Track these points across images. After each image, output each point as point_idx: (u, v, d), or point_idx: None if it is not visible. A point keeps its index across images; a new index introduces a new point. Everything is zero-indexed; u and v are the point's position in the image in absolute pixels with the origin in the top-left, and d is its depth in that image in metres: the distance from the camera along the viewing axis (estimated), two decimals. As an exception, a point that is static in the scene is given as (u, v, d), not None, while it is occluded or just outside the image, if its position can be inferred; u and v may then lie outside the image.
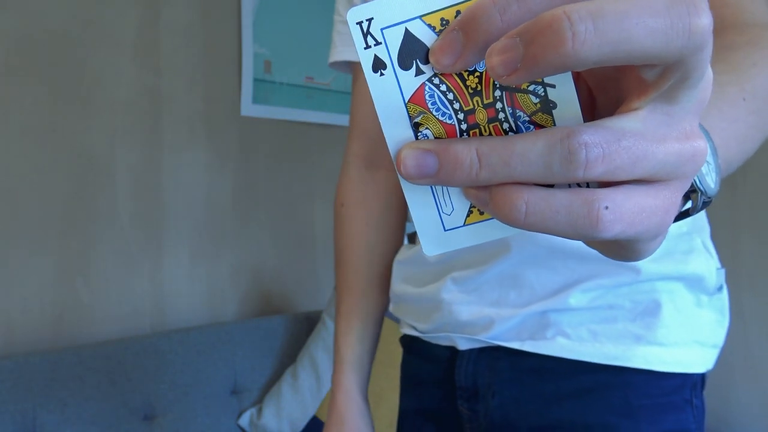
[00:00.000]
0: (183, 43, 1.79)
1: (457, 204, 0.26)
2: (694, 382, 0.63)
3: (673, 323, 0.61)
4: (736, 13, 0.53)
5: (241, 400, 1.67)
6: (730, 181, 1.68)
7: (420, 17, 0.23)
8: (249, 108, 1.92)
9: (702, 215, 0.66)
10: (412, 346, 0.79)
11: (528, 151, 0.22)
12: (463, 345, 0.68)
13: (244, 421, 1.65)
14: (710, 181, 0.33)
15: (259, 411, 1.66)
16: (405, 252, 0.76)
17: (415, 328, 0.75)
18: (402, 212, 0.82)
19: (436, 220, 0.26)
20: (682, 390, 0.62)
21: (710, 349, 0.64)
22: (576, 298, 0.61)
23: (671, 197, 0.24)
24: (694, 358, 0.62)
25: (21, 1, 1.52)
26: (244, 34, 1.91)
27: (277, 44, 1.98)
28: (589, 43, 0.20)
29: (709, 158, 0.34)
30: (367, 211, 0.81)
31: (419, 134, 0.25)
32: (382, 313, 0.82)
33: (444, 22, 0.23)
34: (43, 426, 1.36)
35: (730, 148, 0.39)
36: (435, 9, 0.23)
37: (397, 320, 0.82)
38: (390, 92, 0.24)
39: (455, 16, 0.23)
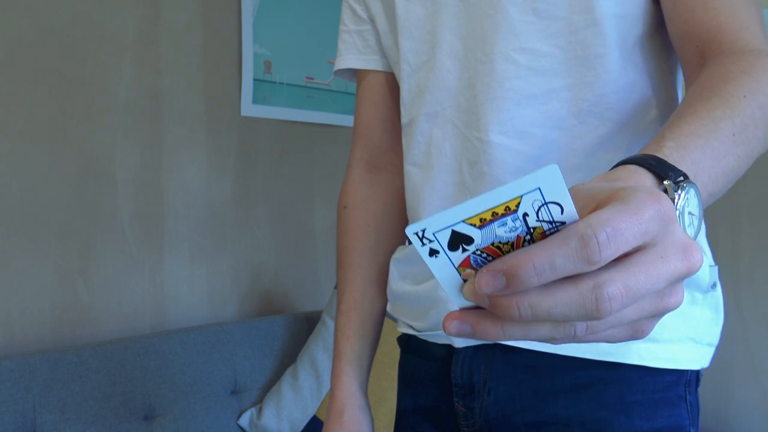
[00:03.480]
0: (183, 43, 1.79)
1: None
2: (689, 379, 0.64)
3: (668, 320, 0.61)
4: (733, 40, 0.54)
5: (241, 400, 1.68)
6: (730, 181, 1.68)
7: (463, 221, 0.30)
8: (249, 108, 1.92)
9: None
10: (408, 344, 0.79)
11: (561, 297, 0.30)
12: (459, 343, 0.68)
13: (244, 421, 1.65)
14: (690, 232, 0.37)
15: (259, 411, 1.66)
16: (401, 250, 0.77)
17: (411, 327, 0.76)
18: (402, 214, 0.83)
19: (457, 279, 0.33)
20: (676, 386, 0.63)
21: (705, 347, 0.64)
22: None
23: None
24: (688, 355, 0.63)
25: (21, 1, 1.52)
26: (244, 34, 1.91)
27: (277, 44, 1.98)
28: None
29: (694, 209, 0.37)
30: (369, 212, 0.83)
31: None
32: (382, 312, 0.83)
33: (482, 220, 0.30)
34: (43, 426, 1.36)
35: (717, 182, 0.43)
36: (474, 214, 0.30)
37: (396, 320, 0.83)
38: (445, 265, 0.32)
39: (491, 216, 0.30)
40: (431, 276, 0.70)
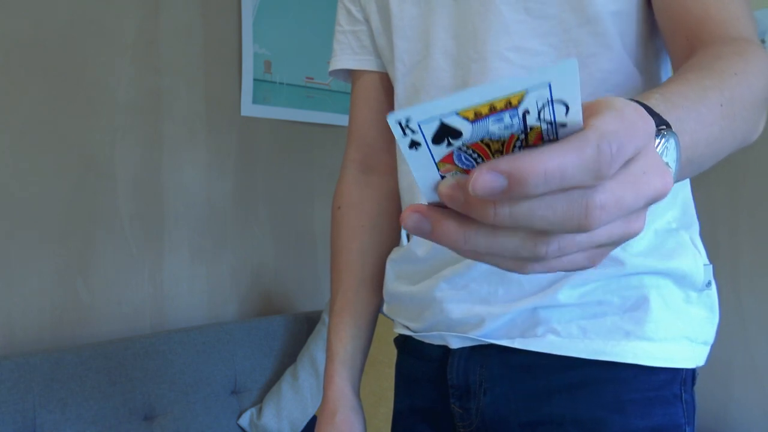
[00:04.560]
0: (183, 43, 1.79)
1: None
2: (684, 378, 0.64)
3: (662, 319, 0.61)
4: (723, 30, 0.54)
5: (241, 400, 1.68)
6: (730, 180, 1.68)
7: (456, 113, 0.26)
8: (249, 108, 1.92)
9: (691, 211, 0.67)
10: (405, 345, 0.79)
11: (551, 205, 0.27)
12: (455, 343, 0.69)
13: (244, 421, 1.65)
14: None
15: (259, 411, 1.66)
16: (397, 251, 0.77)
17: (408, 328, 0.76)
18: (396, 215, 0.84)
19: (435, 176, 0.30)
20: (671, 385, 0.63)
21: (700, 345, 0.64)
22: (565, 294, 0.61)
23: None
24: (683, 353, 0.63)
25: (21, 1, 1.52)
26: (244, 34, 1.91)
27: (277, 44, 1.98)
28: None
29: (672, 162, 0.36)
30: (362, 214, 0.83)
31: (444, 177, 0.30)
32: (375, 312, 0.83)
33: (477, 114, 0.26)
34: (43, 426, 1.36)
35: (697, 147, 0.41)
36: (470, 106, 0.26)
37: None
38: (424, 159, 0.29)
39: (489, 110, 0.26)
40: (425, 276, 0.70)
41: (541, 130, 0.27)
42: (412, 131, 0.27)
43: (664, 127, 0.36)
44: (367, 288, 0.81)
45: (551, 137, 0.28)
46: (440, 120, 0.27)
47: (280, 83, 1.99)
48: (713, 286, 0.67)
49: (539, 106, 0.26)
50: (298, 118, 2.03)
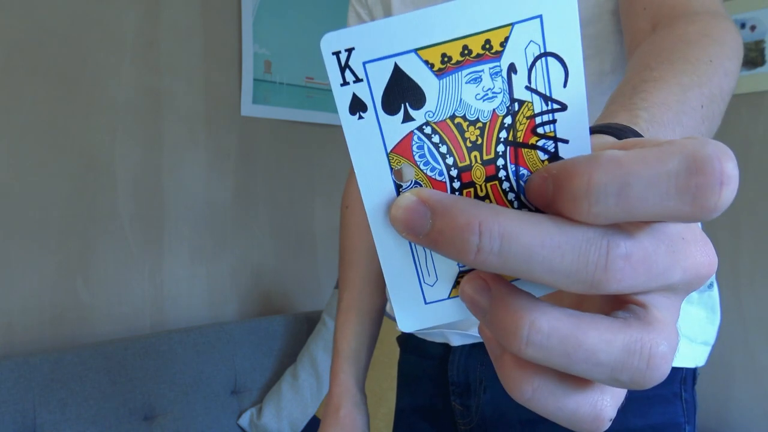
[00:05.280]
0: (183, 43, 1.79)
1: (441, 272, 0.22)
2: (684, 377, 0.64)
3: None
4: (685, 2, 0.51)
5: (241, 400, 1.68)
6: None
7: (415, 51, 0.19)
8: (249, 108, 1.92)
9: None
10: (407, 343, 0.80)
11: (557, 245, 0.19)
12: (455, 341, 0.69)
13: (244, 421, 1.65)
14: None
15: (259, 411, 1.66)
16: None
17: None
18: None
19: (416, 291, 0.22)
20: (671, 383, 0.63)
21: (700, 345, 0.64)
22: None
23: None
24: (682, 352, 0.63)
25: (21, 1, 1.52)
26: (244, 34, 1.91)
27: (277, 44, 1.98)
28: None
29: None
30: None
31: (401, 191, 0.21)
32: (380, 310, 0.84)
33: (446, 59, 0.19)
34: (43, 426, 1.36)
35: None
36: (436, 42, 0.19)
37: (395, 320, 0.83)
38: (369, 138, 0.20)
39: (461, 54, 0.19)
40: None
41: (534, 114, 0.21)
42: (356, 77, 0.19)
43: None
44: (372, 287, 0.83)
45: (547, 132, 0.21)
46: (394, 61, 0.19)
47: (280, 83, 1.99)
48: (715, 287, 0.67)
49: (529, 60, 0.20)
50: (298, 118, 2.03)
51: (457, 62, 0.20)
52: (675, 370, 0.63)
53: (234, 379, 1.66)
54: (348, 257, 0.84)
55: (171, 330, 1.62)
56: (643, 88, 0.39)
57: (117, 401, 1.46)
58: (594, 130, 0.30)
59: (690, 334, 0.63)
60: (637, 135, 0.31)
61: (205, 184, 1.84)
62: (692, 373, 0.65)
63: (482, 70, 0.20)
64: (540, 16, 0.19)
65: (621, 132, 0.30)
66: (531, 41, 0.19)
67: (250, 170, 1.94)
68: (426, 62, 0.19)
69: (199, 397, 1.58)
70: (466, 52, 0.19)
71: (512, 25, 0.19)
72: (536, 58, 0.20)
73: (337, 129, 2.12)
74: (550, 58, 0.20)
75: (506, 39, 0.19)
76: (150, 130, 1.73)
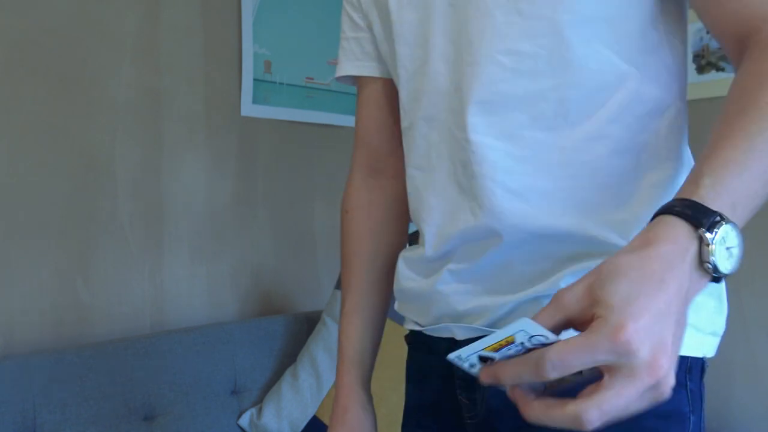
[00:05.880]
0: (183, 43, 1.79)
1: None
2: (689, 366, 0.63)
3: None
4: (757, 9, 0.55)
5: (241, 400, 1.68)
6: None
7: (483, 349, 0.46)
8: (249, 108, 1.92)
9: None
10: (415, 341, 0.81)
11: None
12: (461, 335, 0.69)
13: (244, 421, 1.65)
14: (729, 264, 0.45)
15: (259, 411, 1.66)
16: (409, 250, 0.79)
17: (417, 323, 0.77)
18: (403, 218, 0.86)
19: None
20: (676, 373, 0.63)
21: (708, 336, 0.64)
22: (567, 282, 0.61)
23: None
24: (688, 341, 0.62)
25: (21, 0, 1.52)
26: (244, 34, 1.91)
27: (277, 44, 1.98)
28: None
29: (732, 243, 0.44)
30: (370, 217, 0.86)
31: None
32: (382, 313, 0.85)
33: (496, 348, 0.45)
34: (43, 426, 1.36)
35: (757, 197, 0.48)
36: (488, 345, 0.45)
37: (398, 321, 0.85)
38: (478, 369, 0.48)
39: (500, 346, 0.45)
40: (434, 272, 0.72)
41: (532, 349, 0.44)
42: (465, 360, 0.47)
43: (719, 218, 0.43)
44: (374, 290, 0.85)
45: (537, 345, 0.45)
46: (477, 354, 0.46)
47: (280, 83, 1.99)
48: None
49: (527, 339, 0.43)
50: (298, 118, 2.03)
51: (501, 347, 0.45)
52: (681, 359, 0.62)
53: (234, 379, 1.66)
54: (349, 261, 0.86)
55: (171, 330, 1.62)
56: (714, 153, 0.48)
57: (117, 401, 1.46)
58: (657, 212, 0.46)
59: (697, 323, 0.62)
60: (695, 204, 0.44)
61: (205, 184, 1.84)
62: (700, 363, 0.64)
63: (512, 347, 0.45)
64: (522, 329, 0.43)
65: (679, 210, 0.45)
66: (525, 335, 0.44)
67: (250, 170, 1.94)
68: (489, 351, 0.46)
69: (199, 397, 1.58)
70: (501, 345, 0.45)
71: (513, 335, 0.44)
72: (530, 337, 0.43)
73: (337, 129, 2.12)
74: (534, 336, 0.43)
75: (514, 339, 0.44)
76: (150, 130, 1.73)
